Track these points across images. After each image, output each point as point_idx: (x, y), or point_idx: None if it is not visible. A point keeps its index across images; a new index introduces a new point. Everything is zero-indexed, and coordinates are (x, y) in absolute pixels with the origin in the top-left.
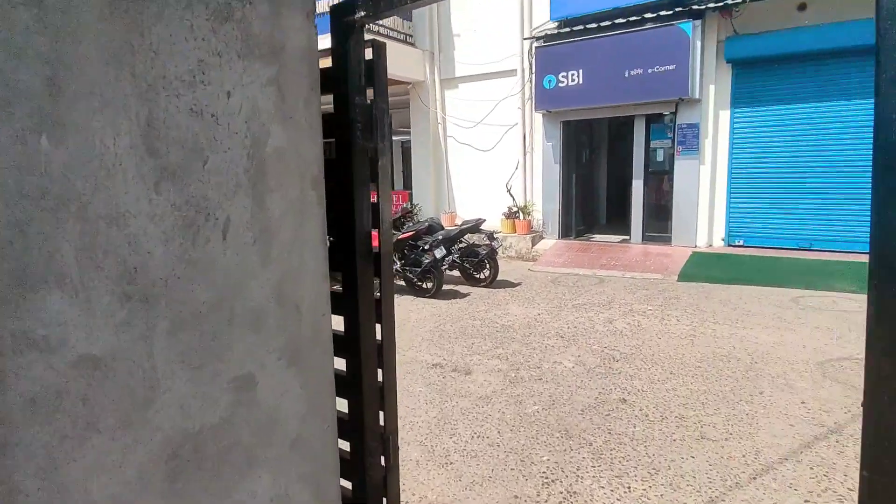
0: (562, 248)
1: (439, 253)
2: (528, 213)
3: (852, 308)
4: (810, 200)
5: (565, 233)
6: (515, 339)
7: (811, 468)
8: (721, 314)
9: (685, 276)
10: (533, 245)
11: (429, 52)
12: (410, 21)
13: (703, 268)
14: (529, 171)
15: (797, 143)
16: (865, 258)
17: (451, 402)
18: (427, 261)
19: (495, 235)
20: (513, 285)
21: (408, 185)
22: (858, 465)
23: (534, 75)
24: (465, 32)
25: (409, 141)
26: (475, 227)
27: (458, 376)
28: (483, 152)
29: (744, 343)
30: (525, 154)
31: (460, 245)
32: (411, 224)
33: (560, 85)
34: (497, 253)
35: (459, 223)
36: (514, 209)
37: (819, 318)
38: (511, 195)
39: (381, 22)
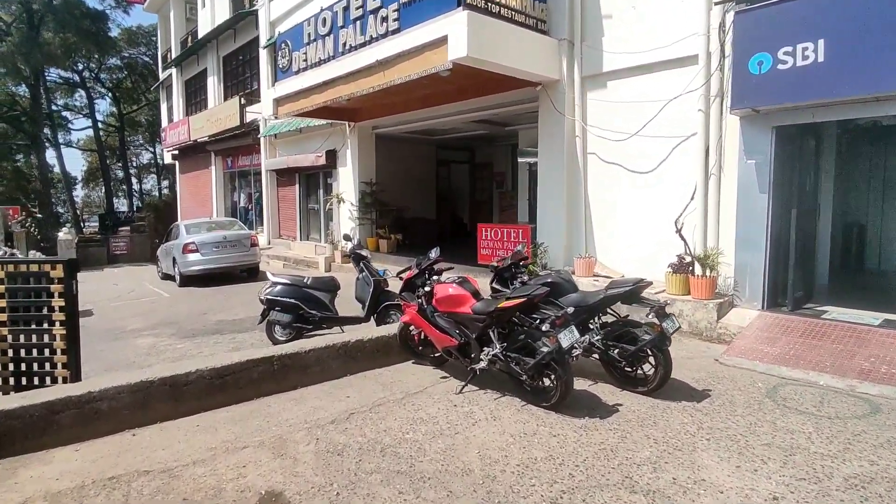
0: (772, 326)
1: (566, 340)
2: (712, 267)
3: None
4: None
5: (774, 300)
6: None
7: None
8: None
9: None
10: (719, 316)
11: (566, 42)
12: (544, 2)
13: None
14: (714, 204)
15: None
16: None
17: None
18: (546, 350)
19: (666, 306)
20: (695, 396)
21: (532, 217)
22: None
23: (728, 58)
24: (618, 12)
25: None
26: (633, 292)
27: None
28: (640, 175)
29: None
30: (708, 177)
31: (603, 319)
32: (527, 278)
33: (780, 67)
34: (670, 341)
35: (603, 275)
36: (688, 259)
37: None
38: (683, 238)
39: (505, 1)
